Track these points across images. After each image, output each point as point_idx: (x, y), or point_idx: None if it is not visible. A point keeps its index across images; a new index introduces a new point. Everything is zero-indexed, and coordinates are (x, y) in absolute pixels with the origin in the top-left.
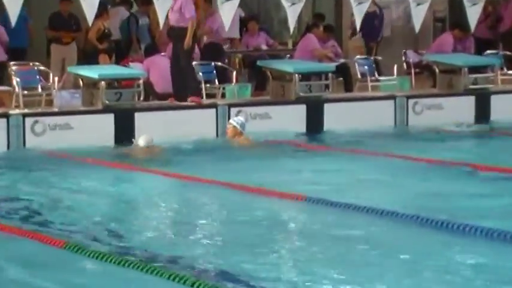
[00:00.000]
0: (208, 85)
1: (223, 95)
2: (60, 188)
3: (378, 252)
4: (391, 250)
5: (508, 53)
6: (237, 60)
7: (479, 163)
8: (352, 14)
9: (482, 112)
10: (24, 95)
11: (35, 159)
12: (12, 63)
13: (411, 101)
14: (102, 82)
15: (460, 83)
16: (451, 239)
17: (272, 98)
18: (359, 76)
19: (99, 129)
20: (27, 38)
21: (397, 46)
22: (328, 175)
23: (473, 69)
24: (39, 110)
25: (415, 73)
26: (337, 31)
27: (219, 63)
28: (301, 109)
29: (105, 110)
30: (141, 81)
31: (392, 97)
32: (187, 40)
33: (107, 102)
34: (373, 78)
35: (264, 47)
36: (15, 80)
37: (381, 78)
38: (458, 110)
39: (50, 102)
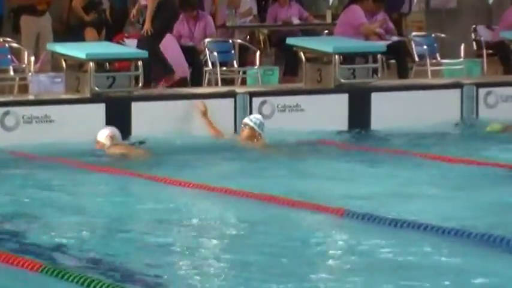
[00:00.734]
0: (224, 68)
1: (243, 81)
2: (33, 198)
3: (447, 279)
4: (463, 277)
5: None
6: (261, 38)
7: None
8: None
9: None
10: None
11: (4, 161)
12: None
13: (482, 91)
14: (91, 63)
15: None
16: None
17: (305, 86)
18: (416, 58)
19: (87, 123)
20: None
21: (465, 21)
22: (375, 184)
23: None
24: (11, 98)
25: (488, 55)
26: None
27: (239, 40)
28: (343, 100)
29: (95, 98)
30: (140, 63)
31: (458, 85)
32: (147, 24)
33: (96, 88)
34: (434, 60)
35: (296, 21)
36: None
37: (444, 61)
38: None
39: (24, 89)
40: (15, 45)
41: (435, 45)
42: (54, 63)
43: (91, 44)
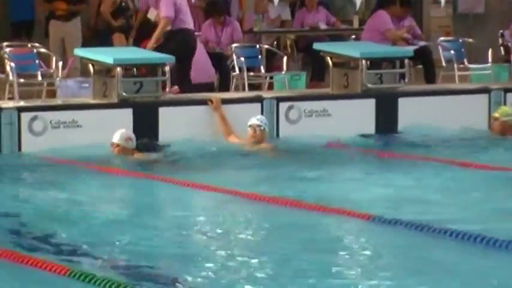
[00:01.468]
0: (251, 73)
1: (270, 86)
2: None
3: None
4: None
5: None
6: (288, 43)
7: None
8: None
9: None
10: (20, 84)
11: (32, 166)
12: (5, 43)
13: (510, 96)
14: (118, 68)
15: None
16: None
17: (332, 91)
18: (443, 63)
19: (114, 128)
20: (30, 8)
21: (492, 25)
22: (403, 189)
23: None
24: (39, 103)
25: None
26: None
27: (266, 46)
28: (370, 105)
29: (122, 103)
30: (167, 68)
31: (486, 90)
32: (151, 43)
33: (124, 94)
34: (461, 65)
35: (324, 26)
36: (8, 65)
37: (472, 65)
38: None
39: (52, 94)
40: (43, 50)
41: (462, 50)
42: (82, 68)
43: (118, 49)
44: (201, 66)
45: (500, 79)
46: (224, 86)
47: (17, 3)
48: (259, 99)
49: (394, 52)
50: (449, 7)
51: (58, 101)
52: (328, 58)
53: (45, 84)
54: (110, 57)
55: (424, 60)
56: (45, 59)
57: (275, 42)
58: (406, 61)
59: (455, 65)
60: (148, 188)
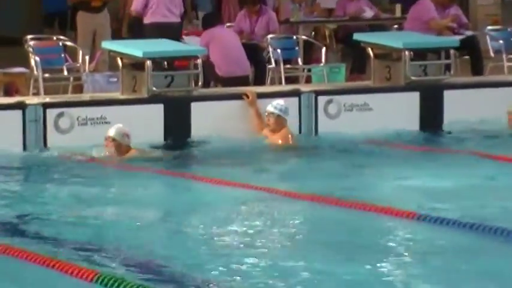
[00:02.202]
0: (288, 66)
1: (308, 79)
2: (87, 202)
3: None
4: None
5: None
6: (327, 33)
7: None
8: None
9: None
10: (45, 79)
11: (58, 164)
12: (29, 36)
13: None
14: (148, 62)
15: None
16: None
17: (374, 84)
18: (491, 54)
19: (144, 125)
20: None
21: None
22: (448, 186)
23: None
24: (65, 99)
25: None
26: None
27: (304, 37)
28: (414, 98)
29: (152, 99)
30: (199, 61)
31: None
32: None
33: (154, 88)
34: (510, 56)
35: (369, 14)
36: (33, 60)
37: None
38: None
39: (79, 89)
40: (69, 43)
41: (511, 39)
42: (110, 62)
43: (148, 42)
44: (235, 59)
45: None
46: (259, 80)
47: None
48: (296, 93)
49: (439, 42)
50: None
51: (85, 97)
52: (369, 49)
53: (71, 79)
54: (139, 50)
55: (471, 50)
56: (71, 53)
57: (313, 33)
58: (452, 52)
59: (504, 56)
60: (185, 188)
